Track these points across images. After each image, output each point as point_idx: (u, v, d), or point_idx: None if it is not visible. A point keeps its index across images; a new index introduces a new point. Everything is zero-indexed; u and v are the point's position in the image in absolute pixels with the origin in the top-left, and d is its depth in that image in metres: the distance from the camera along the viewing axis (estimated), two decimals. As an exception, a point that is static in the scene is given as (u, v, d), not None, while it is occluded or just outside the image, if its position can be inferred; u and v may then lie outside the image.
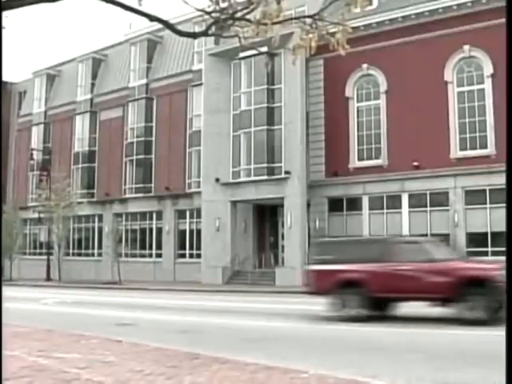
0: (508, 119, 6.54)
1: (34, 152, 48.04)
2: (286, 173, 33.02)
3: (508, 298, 5.17)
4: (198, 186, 38.55)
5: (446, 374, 7.86)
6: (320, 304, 21.02)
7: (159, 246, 41.88)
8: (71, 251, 47.34)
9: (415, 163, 31.22)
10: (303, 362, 8.78)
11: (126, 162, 44.34)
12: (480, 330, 12.20)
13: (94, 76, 47.85)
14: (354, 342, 11.12)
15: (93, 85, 47.72)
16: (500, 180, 28.45)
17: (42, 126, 51.15)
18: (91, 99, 47.50)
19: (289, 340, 11.61)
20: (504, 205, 28.19)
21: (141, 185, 43.09)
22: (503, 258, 27.96)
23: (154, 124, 43.26)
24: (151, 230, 42.76)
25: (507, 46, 6.34)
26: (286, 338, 12.03)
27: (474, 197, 30.19)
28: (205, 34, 7.60)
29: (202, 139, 37.40)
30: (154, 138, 43.11)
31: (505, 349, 5.17)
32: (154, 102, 43.34)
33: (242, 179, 35.08)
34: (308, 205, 33.89)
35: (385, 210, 32.66)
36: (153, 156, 42.97)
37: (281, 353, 9.93)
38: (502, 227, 28.67)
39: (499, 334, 11.31)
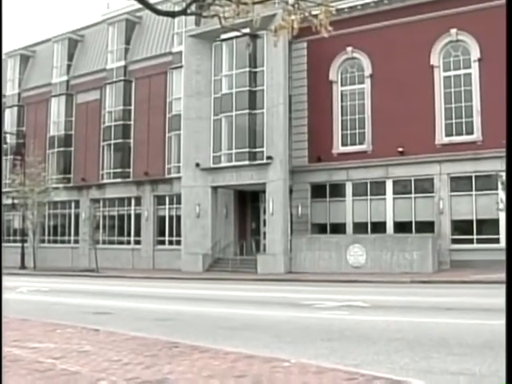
0: (508, 115, 6.70)
1: (7, 135, 47.45)
2: (268, 158, 33.03)
3: (508, 297, 5.42)
4: (178, 171, 38.42)
5: (430, 363, 7.93)
6: (302, 292, 21.17)
7: (138, 233, 41.74)
8: (46, 238, 47.03)
9: (400, 149, 31.40)
10: (285, 351, 8.81)
11: (103, 147, 44.00)
12: (465, 319, 12.33)
13: (70, 57, 47.21)
14: (337, 330, 11.18)
15: (69, 66, 47.11)
16: (486, 166, 28.81)
17: (15, 108, 50.45)
18: (67, 81, 46.92)
19: (270, 328, 11.64)
20: (490, 192, 28.61)
21: (119, 170, 42.83)
22: (488, 245, 28.33)
23: (132, 107, 42.92)
24: (129, 216, 42.58)
25: (507, 44, 6.44)
26: (267, 326, 12.06)
27: (459, 183, 30.45)
28: (184, 13, 7.50)
29: (181, 123, 37.20)
30: (132, 122, 42.79)
31: (505, 348, 5.29)
32: (133, 84, 42.94)
33: (223, 164, 35.02)
34: (290, 191, 33.97)
35: (368, 197, 32.87)
36: (131, 140, 42.67)
37: (262, 341, 9.94)
38: (487, 214, 29.03)
39: (485, 322, 11.49)
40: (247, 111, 34.29)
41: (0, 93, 30.31)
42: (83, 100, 45.81)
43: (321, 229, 34.25)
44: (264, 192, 33.84)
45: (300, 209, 34.41)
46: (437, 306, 15.04)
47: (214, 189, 35.76)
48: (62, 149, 46.49)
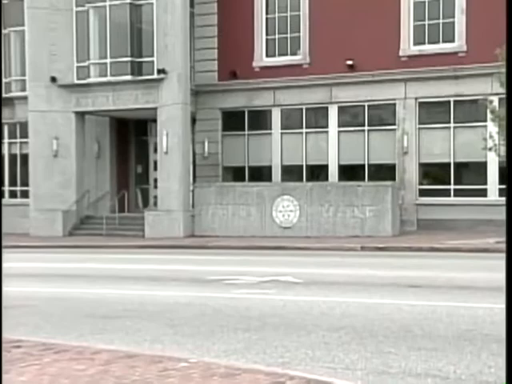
0: (508, 115, 7.39)
1: None
2: (161, 72, 32.55)
3: (508, 296, 6.17)
4: (23, 89, 37.39)
5: (387, 360, 8.12)
6: (209, 263, 21.33)
7: (-40, 181, 40.67)
8: None
9: (349, 62, 31.65)
10: (183, 346, 8.92)
11: None
12: (435, 300, 12.76)
13: None
14: (258, 315, 11.34)
15: None
16: (470, 88, 29.34)
17: None
18: None
19: (164, 314, 11.73)
20: (475, 124, 29.29)
21: None
22: (470, 199, 29.15)
23: None
24: None
25: (507, 44, 7.53)
26: (159, 311, 12.17)
27: (432, 112, 31.04)
28: None
29: (26, 15, 35.90)
30: None
31: (505, 348, 5.66)
32: None
33: (93, 80, 34.29)
34: (193, 120, 33.93)
35: (304, 129, 33.20)
36: None
37: (151, 333, 10.01)
38: (470, 156, 29.76)
39: (463, 305, 12.00)
40: (128, 2, 33.49)
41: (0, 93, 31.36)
42: None
43: (236, 174, 34.59)
44: (155, 121, 33.60)
45: (207, 146, 34.40)
46: (397, 283, 15.46)
47: (80, 115, 35.14)
48: None
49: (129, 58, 33.53)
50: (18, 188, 38.78)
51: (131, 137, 37.48)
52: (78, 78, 34.79)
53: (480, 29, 28.91)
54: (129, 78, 33.58)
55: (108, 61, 33.93)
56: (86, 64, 34.55)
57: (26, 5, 35.56)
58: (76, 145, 35.03)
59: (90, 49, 34.39)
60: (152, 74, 33.19)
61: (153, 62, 33.23)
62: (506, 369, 5.46)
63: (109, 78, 33.88)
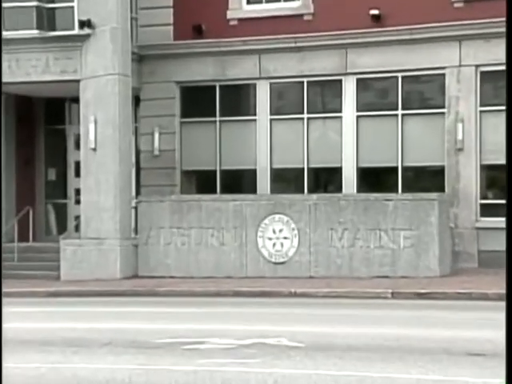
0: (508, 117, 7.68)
1: None
2: (84, 25, 32.40)
3: (508, 297, 7.87)
4: None
5: None
6: (161, 317, 21.60)
7: None
8: None
9: (373, 11, 31.79)
10: None
11: None
12: (502, 376, 12.19)
13: None
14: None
15: None
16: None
17: None
18: None
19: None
20: None
21: None
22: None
23: None
24: None
25: (507, 44, 9.04)
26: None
27: (500, 86, 30.51)
28: None
29: None
30: None
31: (505, 349, 6.67)
32: None
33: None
34: (137, 100, 34.32)
35: (305, 114, 33.32)
36: None
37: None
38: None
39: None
40: None
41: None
42: None
43: (203, 182, 35.06)
44: (77, 101, 33.66)
45: (157, 139, 34.48)
46: (448, 348, 15.14)
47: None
48: None
49: (34, 3, 33.41)
50: None
51: (39, 124, 37.64)
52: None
53: None
54: (34, 33, 33.41)
55: (4, 5, 33.60)
56: (-37, 11, 34.26)
57: None
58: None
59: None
60: (71, 28, 33.07)
61: (72, 9, 33.15)
62: (506, 369, 6.95)
63: (5, 34, 33.47)
